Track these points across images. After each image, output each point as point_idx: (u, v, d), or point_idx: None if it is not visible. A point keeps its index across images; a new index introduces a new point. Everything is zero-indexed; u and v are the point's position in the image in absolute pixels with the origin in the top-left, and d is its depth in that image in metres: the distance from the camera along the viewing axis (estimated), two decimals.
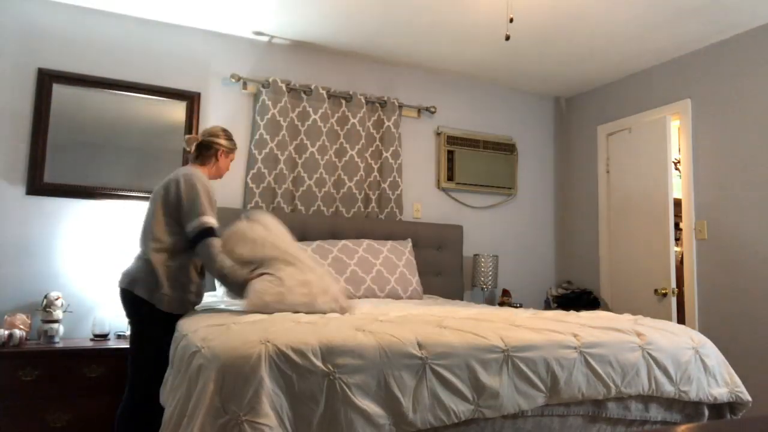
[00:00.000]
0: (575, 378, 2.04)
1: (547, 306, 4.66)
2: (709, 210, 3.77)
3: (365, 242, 3.70)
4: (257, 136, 3.77)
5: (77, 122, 3.41)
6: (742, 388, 2.38)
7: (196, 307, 2.68)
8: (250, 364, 1.64)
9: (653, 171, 4.05)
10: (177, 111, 3.66)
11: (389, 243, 3.78)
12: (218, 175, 2.79)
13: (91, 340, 3.17)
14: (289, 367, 1.67)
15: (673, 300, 3.82)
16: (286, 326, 1.88)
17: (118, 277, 2.56)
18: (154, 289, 2.43)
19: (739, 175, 3.60)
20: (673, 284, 3.83)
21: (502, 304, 4.27)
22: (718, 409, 2.42)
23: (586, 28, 3.63)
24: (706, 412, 2.37)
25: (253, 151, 3.77)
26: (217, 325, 2.04)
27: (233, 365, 1.64)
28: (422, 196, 4.40)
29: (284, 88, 3.86)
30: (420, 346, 1.85)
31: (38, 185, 3.28)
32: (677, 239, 4.50)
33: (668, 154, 3.95)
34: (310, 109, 3.95)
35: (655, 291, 3.89)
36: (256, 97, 3.88)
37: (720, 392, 2.32)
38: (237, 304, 2.62)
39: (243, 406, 1.58)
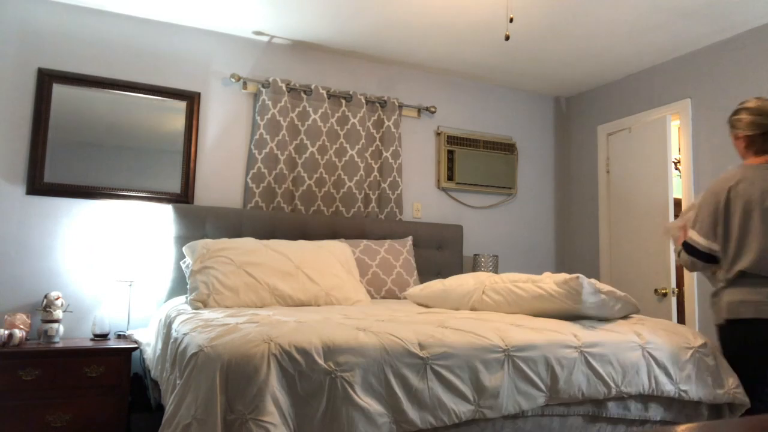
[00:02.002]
0: (575, 377, 2.04)
1: None
2: None
3: (363, 243, 3.70)
4: (257, 136, 3.77)
5: (77, 122, 3.41)
6: (741, 389, 2.38)
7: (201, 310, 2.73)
8: (254, 363, 1.64)
9: (653, 171, 4.05)
10: (177, 111, 3.66)
11: (386, 243, 3.78)
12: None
13: (91, 340, 3.17)
14: (292, 365, 1.68)
15: (673, 300, 3.82)
16: (289, 326, 1.89)
17: None
18: None
19: None
20: (673, 284, 3.83)
21: None
22: (718, 409, 2.42)
23: (586, 28, 3.63)
24: (706, 413, 2.37)
25: (253, 151, 3.77)
26: (220, 325, 2.05)
27: (237, 364, 1.65)
28: (422, 196, 4.41)
29: (284, 87, 3.86)
30: (421, 346, 1.86)
31: (38, 185, 3.28)
32: None
33: (668, 154, 3.95)
34: (310, 109, 3.95)
35: (655, 291, 3.89)
36: (256, 96, 3.88)
37: (719, 392, 2.32)
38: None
39: (247, 404, 1.59)
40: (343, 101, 4.08)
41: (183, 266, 3.28)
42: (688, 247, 2.40)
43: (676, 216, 3.95)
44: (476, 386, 1.88)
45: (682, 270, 3.93)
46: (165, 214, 3.54)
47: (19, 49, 3.32)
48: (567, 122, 5.02)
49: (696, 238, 2.36)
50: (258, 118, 3.80)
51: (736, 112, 2.42)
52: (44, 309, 3.04)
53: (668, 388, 2.22)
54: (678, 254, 2.50)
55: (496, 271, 4.24)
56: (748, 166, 2.34)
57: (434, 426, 1.80)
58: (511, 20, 3.13)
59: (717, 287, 2.42)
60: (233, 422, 1.58)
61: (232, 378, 1.63)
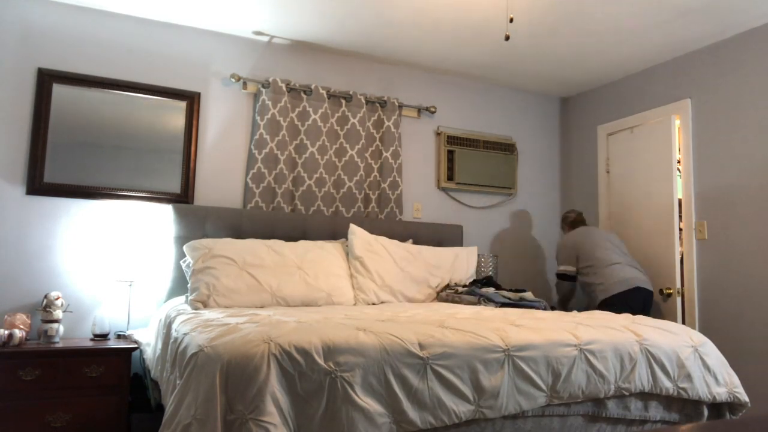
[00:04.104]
0: (575, 375, 2.04)
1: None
2: (709, 210, 3.77)
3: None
4: (257, 136, 3.77)
5: (77, 122, 3.41)
6: (741, 389, 2.39)
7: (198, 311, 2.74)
8: (253, 363, 1.64)
9: (656, 171, 4.04)
10: (177, 111, 3.66)
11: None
12: None
13: (91, 340, 3.17)
14: (292, 365, 1.68)
15: (678, 300, 3.82)
16: (289, 326, 1.89)
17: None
18: None
19: (739, 175, 3.60)
20: (678, 284, 3.83)
21: None
22: (718, 409, 2.43)
23: (586, 28, 3.63)
24: (706, 412, 2.37)
25: (253, 151, 3.77)
26: (220, 325, 2.05)
27: (237, 364, 1.64)
28: (422, 196, 4.41)
29: (284, 87, 3.86)
30: (421, 346, 1.86)
31: (38, 185, 3.28)
32: None
33: (673, 154, 3.95)
34: (310, 109, 3.95)
35: (660, 291, 3.89)
36: (256, 96, 3.88)
37: (719, 391, 2.33)
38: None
39: (247, 404, 1.59)
40: (343, 101, 4.08)
41: (183, 266, 3.28)
42: None
43: (680, 216, 3.95)
44: (476, 386, 1.88)
45: (683, 270, 3.93)
46: (165, 214, 3.54)
47: (19, 49, 3.32)
48: (567, 122, 5.02)
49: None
50: (258, 118, 3.80)
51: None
52: (44, 309, 3.04)
53: (667, 385, 2.22)
54: None
55: (496, 270, 4.24)
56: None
57: (434, 426, 1.80)
58: (511, 20, 3.13)
59: None
60: (233, 422, 1.58)
61: (232, 378, 1.63)
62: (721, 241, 3.68)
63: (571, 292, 4.03)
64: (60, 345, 2.98)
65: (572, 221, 4.15)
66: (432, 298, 3.63)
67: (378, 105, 4.19)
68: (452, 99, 4.58)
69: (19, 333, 2.89)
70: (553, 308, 3.81)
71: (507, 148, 4.69)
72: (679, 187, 4.03)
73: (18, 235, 3.25)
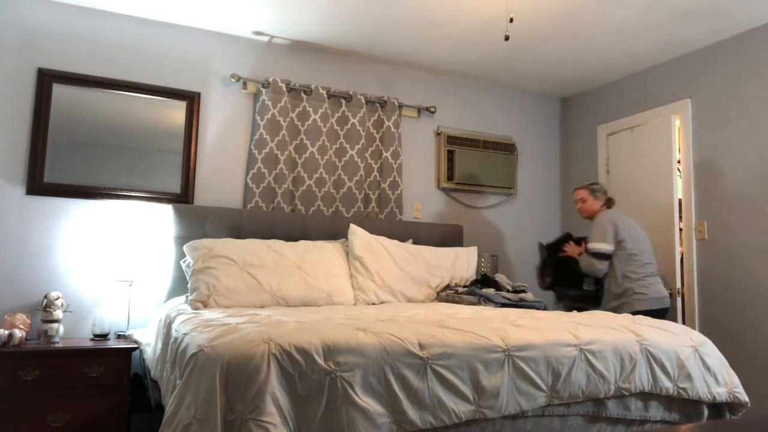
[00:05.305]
0: (575, 376, 2.04)
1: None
2: (709, 210, 3.77)
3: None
4: (257, 136, 3.77)
5: (77, 122, 3.41)
6: (741, 389, 2.39)
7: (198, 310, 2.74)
8: (253, 363, 1.64)
9: (656, 171, 4.04)
10: (177, 111, 3.66)
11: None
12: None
13: (91, 340, 3.17)
14: (292, 365, 1.68)
15: (678, 300, 3.81)
16: (289, 326, 1.89)
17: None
18: None
19: (739, 175, 3.60)
20: (678, 284, 3.82)
21: None
22: (718, 409, 2.43)
23: (586, 28, 3.63)
24: (706, 412, 2.37)
25: (253, 151, 3.77)
26: (220, 325, 2.05)
27: (237, 364, 1.65)
28: (422, 196, 4.41)
29: (284, 87, 3.86)
30: (421, 346, 1.86)
31: (38, 185, 3.28)
32: None
33: (673, 154, 3.95)
34: (310, 109, 3.95)
35: None
36: (256, 96, 3.88)
37: (719, 391, 2.33)
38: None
39: (247, 404, 1.59)
40: (343, 101, 4.08)
41: (183, 266, 3.28)
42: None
43: (680, 216, 3.95)
44: (476, 386, 1.88)
45: (683, 270, 3.93)
46: (165, 214, 3.54)
47: (19, 49, 3.32)
48: (567, 122, 5.02)
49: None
50: (258, 118, 3.80)
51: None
52: (44, 309, 3.03)
53: (667, 385, 2.22)
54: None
55: (495, 271, 4.24)
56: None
57: (434, 426, 1.80)
58: (511, 20, 3.13)
59: None
60: (233, 422, 1.58)
61: (232, 378, 1.63)
62: (721, 241, 3.68)
63: (599, 282, 3.65)
64: (60, 345, 2.98)
65: (609, 199, 3.71)
66: (432, 298, 3.63)
67: (378, 105, 4.19)
68: (452, 99, 4.58)
69: (19, 333, 2.89)
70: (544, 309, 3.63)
71: (507, 148, 4.69)
72: (679, 187, 4.03)
73: (18, 235, 3.24)
